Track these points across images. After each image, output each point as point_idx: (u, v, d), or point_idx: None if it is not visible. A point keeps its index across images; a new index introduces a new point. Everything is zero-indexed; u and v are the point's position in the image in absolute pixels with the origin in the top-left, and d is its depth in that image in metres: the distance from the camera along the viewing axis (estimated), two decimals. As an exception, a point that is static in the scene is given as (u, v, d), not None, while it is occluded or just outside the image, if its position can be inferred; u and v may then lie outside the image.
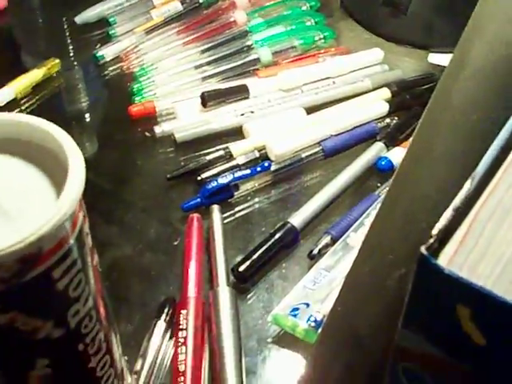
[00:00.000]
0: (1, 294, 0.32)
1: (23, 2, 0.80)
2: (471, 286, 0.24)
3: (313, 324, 0.49)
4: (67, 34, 0.77)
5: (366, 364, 0.38)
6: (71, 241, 0.35)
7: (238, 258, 0.55)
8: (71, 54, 0.75)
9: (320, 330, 0.47)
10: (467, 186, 0.28)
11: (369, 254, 0.41)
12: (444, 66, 0.65)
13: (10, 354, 0.34)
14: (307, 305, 0.51)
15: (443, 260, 0.26)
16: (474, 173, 0.28)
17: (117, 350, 0.40)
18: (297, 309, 0.51)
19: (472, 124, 0.38)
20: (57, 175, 0.37)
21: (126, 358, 0.43)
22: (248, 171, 0.59)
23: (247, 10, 0.76)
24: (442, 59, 0.72)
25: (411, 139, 0.38)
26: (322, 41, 0.73)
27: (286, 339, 0.50)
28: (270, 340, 0.51)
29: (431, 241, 0.27)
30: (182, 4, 0.78)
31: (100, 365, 0.38)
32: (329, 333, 0.41)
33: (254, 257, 0.54)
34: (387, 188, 0.58)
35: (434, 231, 0.27)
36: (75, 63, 0.74)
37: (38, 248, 0.33)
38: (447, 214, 0.27)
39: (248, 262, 0.54)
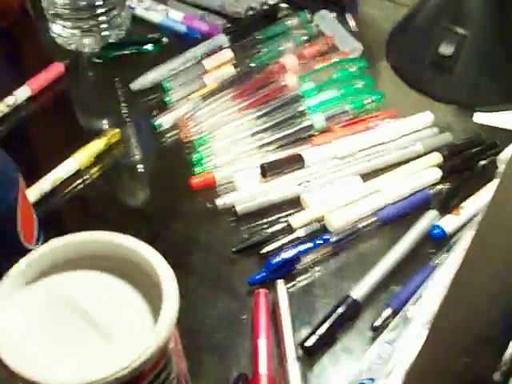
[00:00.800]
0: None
1: (79, 68, 0.84)
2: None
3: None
4: (123, 100, 0.80)
5: None
6: (166, 357, 0.38)
7: (303, 331, 0.58)
8: (129, 122, 0.78)
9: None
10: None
11: (436, 340, 0.43)
12: (489, 126, 0.67)
13: None
14: (372, 380, 0.54)
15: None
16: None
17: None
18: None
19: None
20: (151, 293, 0.40)
21: None
22: (310, 245, 0.62)
23: (297, 73, 0.79)
24: (486, 118, 0.74)
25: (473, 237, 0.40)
26: (372, 104, 0.75)
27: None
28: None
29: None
30: (236, 68, 0.81)
31: None
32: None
33: (320, 332, 0.57)
34: (443, 259, 0.60)
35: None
36: (134, 132, 0.77)
37: (139, 371, 0.36)
38: None
39: (314, 338, 0.57)
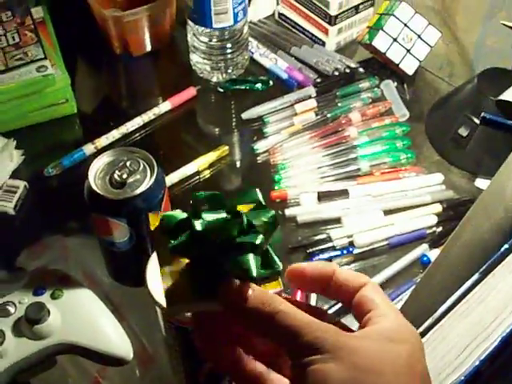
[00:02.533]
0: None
1: (207, 94, 1.18)
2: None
3: None
4: (235, 125, 1.15)
5: None
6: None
7: (324, 307, 0.92)
8: (236, 142, 1.13)
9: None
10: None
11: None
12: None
13: None
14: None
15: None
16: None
17: None
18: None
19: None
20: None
21: None
22: (339, 252, 0.97)
23: (359, 127, 1.12)
24: (485, 184, 1.07)
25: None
26: (405, 160, 1.08)
27: None
28: None
29: None
30: (316, 115, 1.14)
31: None
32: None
33: (333, 310, 0.91)
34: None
35: None
36: (238, 150, 1.12)
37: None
38: (421, 328, 0.63)
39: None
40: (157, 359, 0.89)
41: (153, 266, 0.74)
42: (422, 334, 0.65)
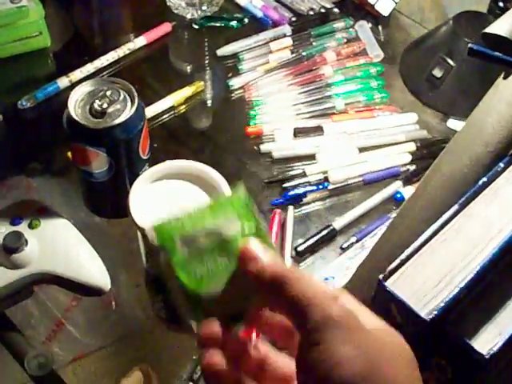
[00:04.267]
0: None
1: (181, 30, 1.18)
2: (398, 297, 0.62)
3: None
4: (209, 61, 1.15)
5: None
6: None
7: (298, 240, 0.93)
8: (211, 78, 1.13)
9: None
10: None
11: (370, 260, 0.78)
12: (457, 131, 1.00)
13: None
14: (333, 278, 0.90)
15: (389, 282, 0.64)
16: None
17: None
18: (327, 278, 0.89)
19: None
20: (211, 192, 0.74)
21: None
22: (314, 187, 0.97)
23: (334, 66, 1.12)
24: (457, 125, 1.08)
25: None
26: (380, 99, 1.09)
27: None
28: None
29: (388, 271, 0.65)
30: (292, 53, 1.14)
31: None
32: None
33: (308, 243, 0.92)
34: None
35: (392, 265, 0.65)
36: (213, 86, 1.12)
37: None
38: (401, 256, 0.65)
39: (303, 246, 0.92)
40: (128, 296, 0.90)
41: (135, 194, 0.74)
42: (402, 264, 0.66)
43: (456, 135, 0.79)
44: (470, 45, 0.66)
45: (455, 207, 0.70)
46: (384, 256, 0.74)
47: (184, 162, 0.80)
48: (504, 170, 0.73)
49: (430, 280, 0.66)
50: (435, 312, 0.63)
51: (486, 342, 0.63)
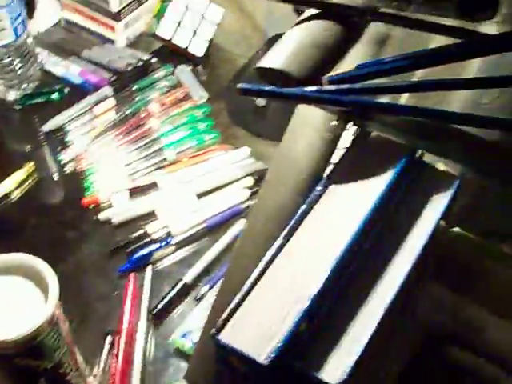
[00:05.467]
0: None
1: (5, 112, 1.16)
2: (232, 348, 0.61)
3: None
4: (39, 138, 1.13)
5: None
6: (54, 320, 0.71)
7: (155, 301, 0.92)
8: (41, 156, 1.11)
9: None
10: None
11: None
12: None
13: None
14: (191, 332, 0.88)
15: (222, 335, 0.62)
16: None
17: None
18: (185, 335, 0.88)
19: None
20: (42, 284, 0.72)
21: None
22: (158, 245, 0.96)
23: (160, 117, 1.12)
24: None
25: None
26: (211, 140, 1.09)
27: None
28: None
29: (219, 323, 0.63)
30: (117, 113, 1.13)
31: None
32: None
33: (162, 303, 0.91)
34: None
35: (223, 315, 0.64)
36: (45, 164, 1.10)
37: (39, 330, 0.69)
38: (231, 305, 0.64)
39: (159, 307, 0.91)
40: None
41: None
42: (232, 312, 0.65)
43: (270, 168, 0.78)
44: (239, 85, 0.66)
45: (279, 241, 0.69)
46: (222, 307, 0.73)
47: (9, 256, 0.77)
48: (323, 192, 0.73)
49: (263, 322, 0.65)
50: (272, 354, 0.62)
51: (335, 369, 0.62)
